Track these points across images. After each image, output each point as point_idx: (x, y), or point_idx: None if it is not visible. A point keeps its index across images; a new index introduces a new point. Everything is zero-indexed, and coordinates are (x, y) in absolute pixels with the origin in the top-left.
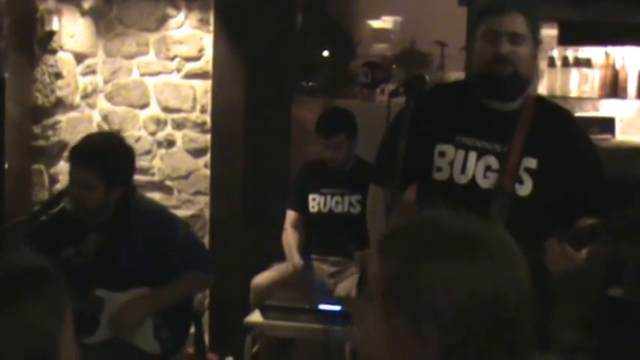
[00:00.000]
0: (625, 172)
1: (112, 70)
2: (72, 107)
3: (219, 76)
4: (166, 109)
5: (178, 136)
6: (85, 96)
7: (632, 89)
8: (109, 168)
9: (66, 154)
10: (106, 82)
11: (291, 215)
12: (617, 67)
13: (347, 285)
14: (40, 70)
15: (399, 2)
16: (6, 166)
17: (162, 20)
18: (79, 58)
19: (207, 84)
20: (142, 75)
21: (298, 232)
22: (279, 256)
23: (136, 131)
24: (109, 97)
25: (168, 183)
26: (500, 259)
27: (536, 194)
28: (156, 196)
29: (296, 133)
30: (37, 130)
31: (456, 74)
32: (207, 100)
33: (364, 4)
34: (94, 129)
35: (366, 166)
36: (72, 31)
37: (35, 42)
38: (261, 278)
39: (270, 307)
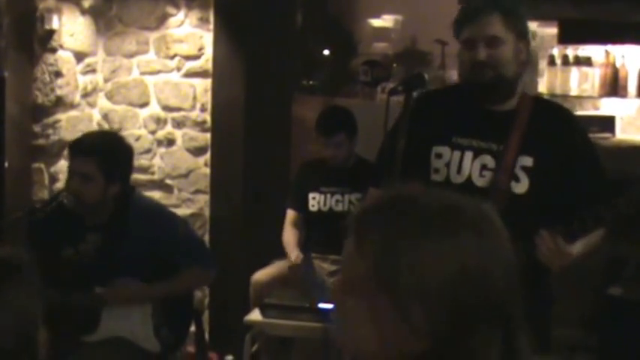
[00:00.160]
0: (625, 171)
1: (112, 69)
2: (72, 106)
3: (219, 74)
4: (166, 108)
5: (178, 134)
6: (85, 95)
7: (632, 88)
8: (108, 160)
9: (66, 152)
10: (106, 80)
11: (291, 214)
12: (618, 65)
13: None
14: (40, 69)
15: (399, 1)
16: (6, 164)
17: (163, 19)
18: (79, 56)
19: (207, 83)
20: (142, 74)
21: (298, 230)
22: (279, 254)
23: (136, 130)
24: (109, 96)
25: (168, 182)
26: (484, 233)
27: (533, 192)
28: (156, 194)
29: (296, 131)
30: (37, 128)
31: (456, 73)
32: (207, 98)
33: (365, 3)
34: (94, 128)
35: (366, 165)
36: (72, 29)
37: (35, 40)
38: (261, 274)
39: (269, 305)
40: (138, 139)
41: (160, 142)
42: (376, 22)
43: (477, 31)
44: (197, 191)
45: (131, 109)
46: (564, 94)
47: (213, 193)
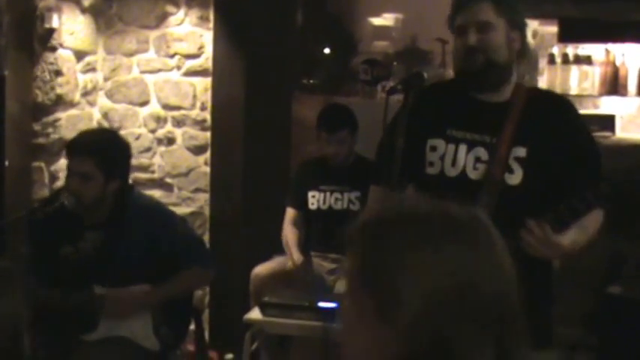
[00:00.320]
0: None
1: (112, 68)
2: (72, 105)
3: (219, 73)
4: (166, 107)
5: (178, 133)
6: (85, 93)
7: (632, 86)
8: (106, 157)
9: None
10: (106, 79)
11: (290, 212)
12: (618, 64)
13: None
14: (40, 68)
15: None
16: (6, 163)
17: (162, 17)
18: (79, 55)
19: (207, 81)
20: (142, 72)
21: (298, 229)
22: (279, 253)
23: (136, 129)
24: (109, 95)
25: (168, 180)
26: (478, 245)
27: (527, 183)
28: (156, 193)
29: (296, 130)
30: (37, 127)
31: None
32: (207, 97)
33: (365, 2)
34: (94, 126)
35: (365, 163)
36: (72, 28)
37: (35, 39)
38: (261, 268)
39: (269, 304)
40: (138, 137)
41: (160, 141)
42: (377, 21)
43: (467, 18)
44: (197, 190)
45: (131, 108)
46: (564, 93)
47: (213, 191)
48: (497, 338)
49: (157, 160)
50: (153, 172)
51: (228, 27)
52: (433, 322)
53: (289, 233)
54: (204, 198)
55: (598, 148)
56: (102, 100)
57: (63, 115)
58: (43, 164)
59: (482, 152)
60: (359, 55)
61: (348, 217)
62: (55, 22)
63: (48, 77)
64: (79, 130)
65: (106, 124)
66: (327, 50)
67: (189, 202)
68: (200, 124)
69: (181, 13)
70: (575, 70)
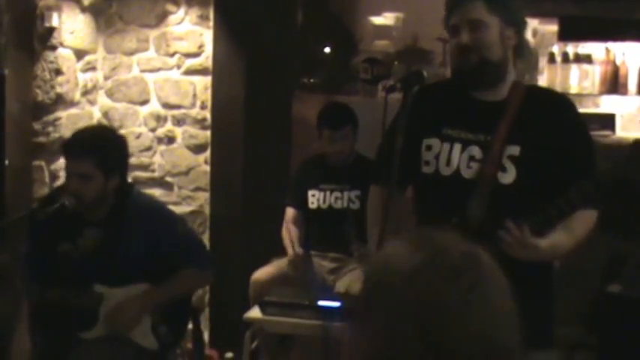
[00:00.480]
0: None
1: (112, 67)
2: (72, 104)
3: (220, 72)
4: (166, 106)
5: (178, 132)
6: (86, 92)
7: (632, 85)
8: (103, 155)
9: None
10: (106, 78)
11: (290, 211)
12: (618, 63)
13: (346, 281)
14: (40, 67)
15: None
16: (6, 162)
17: (162, 16)
18: (79, 54)
19: (207, 80)
20: (142, 71)
21: (298, 228)
22: (279, 252)
23: (136, 127)
24: (109, 94)
25: (168, 179)
26: (474, 289)
27: (520, 181)
28: (156, 192)
29: (296, 129)
30: (37, 126)
31: None
32: (207, 96)
33: (366, 1)
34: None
35: (365, 162)
36: (72, 27)
37: (35, 38)
38: (261, 273)
39: (269, 303)
40: (138, 136)
41: (160, 140)
42: (377, 20)
43: (460, 17)
44: (197, 189)
45: (131, 107)
46: (564, 92)
47: (213, 190)
48: None
49: (157, 159)
50: (153, 170)
51: (229, 26)
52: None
53: (289, 232)
54: (204, 197)
55: (594, 148)
56: (102, 99)
57: (63, 114)
58: (43, 163)
59: (476, 151)
60: (359, 55)
61: (348, 215)
62: (55, 21)
63: (48, 76)
64: None
65: (106, 123)
66: (327, 49)
67: (189, 200)
68: (200, 123)
69: (181, 11)
70: (575, 69)
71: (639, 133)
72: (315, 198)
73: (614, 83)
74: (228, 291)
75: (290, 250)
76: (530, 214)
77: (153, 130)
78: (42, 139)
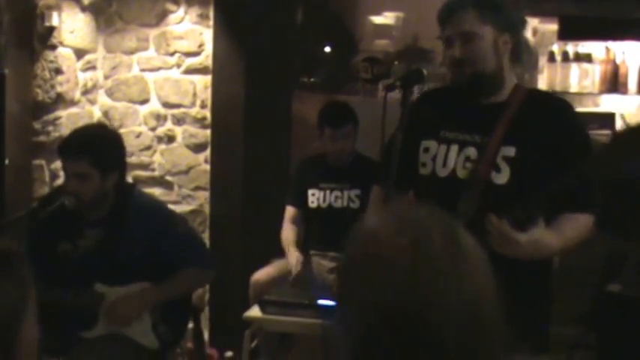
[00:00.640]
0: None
1: (112, 66)
2: (72, 103)
3: (219, 71)
4: (166, 105)
5: (178, 131)
6: (85, 92)
7: (632, 85)
8: (99, 153)
9: None
10: (106, 77)
11: (290, 211)
12: (618, 62)
13: None
14: (41, 66)
15: None
16: (7, 161)
17: (162, 15)
18: (79, 53)
19: (207, 79)
20: (142, 70)
21: (298, 227)
22: (279, 251)
23: (137, 127)
24: (109, 93)
25: (168, 178)
26: (453, 265)
27: (514, 183)
28: (156, 191)
29: (296, 128)
30: (37, 125)
31: None
32: (207, 95)
33: (366, 0)
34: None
35: (365, 162)
36: (72, 26)
37: (35, 38)
38: (261, 274)
39: (269, 302)
40: (138, 135)
41: (160, 139)
42: (377, 20)
43: (452, 29)
44: (197, 188)
45: (131, 106)
46: (564, 91)
47: (213, 189)
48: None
49: (157, 158)
50: (153, 170)
51: (229, 25)
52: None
53: (288, 231)
54: (204, 196)
55: (591, 152)
56: (102, 99)
57: (63, 114)
58: (43, 162)
59: (472, 152)
60: (360, 54)
61: (347, 215)
62: (55, 20)
63: (48, 75)
64: None
65: (106, 123)
66: (327, 49)
67: (189, 200)
68: (200, 122)
69: (181, 11)
70: (575, 68)
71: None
72: (314, 197)
73: (614, 82)
74: (228, 290)
75: (290, 260)
76: (511, 209)
77: (153, 129)
78: (42, 138)
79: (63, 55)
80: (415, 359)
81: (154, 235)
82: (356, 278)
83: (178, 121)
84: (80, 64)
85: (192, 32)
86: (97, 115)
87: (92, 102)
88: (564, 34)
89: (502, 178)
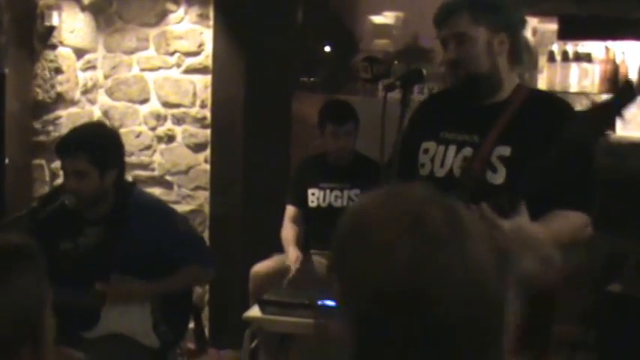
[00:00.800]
0: (625, 169)
1: (112, 66)
2: (72, 102)
3: (219, 71)
4: (166, 105)
5: (178, 131)
6: (85, 91)
7: None
8: (97, 150)
9: None
10: (106, 77)
11: (290, 210)
12: (618, 62)
13: None
14: (41, 66)
15: None
16: (7, 161)
17: (162, 15)
18: (79, 53)
19: (207, 79)
20: (142, 70)
21: (298, 226)
22: (279, 251)
23: (136, 126)
24: (109, 93)
25: (168, 178)
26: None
27: (511, 183)
28: (156, 191)
29: (296, 128)
30: (37, 125)
31: None
32: (207, 95)
33: (366, 0)
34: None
35: (365, 161)
36: (72, 26)
37: (35, 37)
38: (261, 267)
39: (269, 302)
40: (138, 135)
41: (160, 139)
42: (377, 19)
43: (447, 31)
44: (197, 187)
45: (131, 106)
46: (564, 91)
47: (213, 189)
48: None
49: (157, 157)
50: (153, 169)
51: (228, 25)
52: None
53: (288, 231)
54: (204, 196)
55: (589, 153)
56: (102, 98)
57: (63, 113)
58: (43, 162)
59: (468, 152)
60: (359, 54)
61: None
62: (55, 20)
63: (48, 75)
64: None
65: (106, 122)
66: (327, 48)
67: (189, 199)
68: (200, 121)
69: (181, 10)
70: (575, 68)
71: (639, 133)
72: (315, 196)
73: (614, 82)
74: (228, 290)
75: (289, 258)
76: (493, 198)
77: (153, 128)
78: (42, 137)
79: (63, 54)
80: (422, 338)
81: (154, 234)
82: (356, 262)
83: (178, 120)
84: (80, 63)
85: (192, 32)
86: (97, 114)
87: (92, 102)
88: (564, 34)
89: (498, 178)
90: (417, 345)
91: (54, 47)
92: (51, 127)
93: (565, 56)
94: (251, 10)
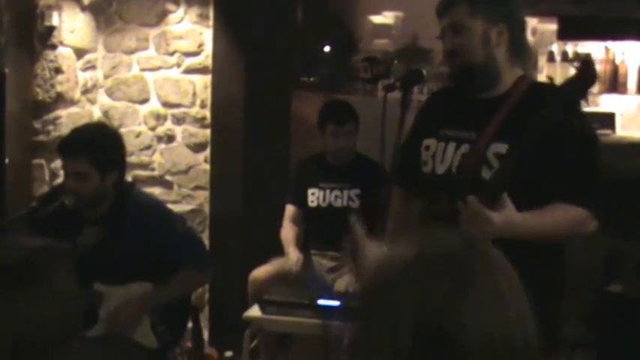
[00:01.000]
0: (625, 168)
1: (112, 66)
2: (72, 102)
3: (219, 71)
4: (166, 104)
5: (178, 131)
6: (85, 91)
7: (632, 84)
8: (99, 153)
9: None
10: (106, 77)
11: (290, 210)
12: (617, 62)
13: (346, 280)
14: (41, 66)
15: None
16: (7, 160)
17: (162, 15)
18: (79, 53)
19: (206, 79)
20: (142, 70)
21: (297, 226)
22: (279, 251)
23: (136, 126)
24: (109, 93)
25: (168, 178)
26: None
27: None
28: (156, 191)
29: (296, 128)
30: (37, 125)
31: None
32: (207, 95)
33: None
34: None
35: (365, 161)
36: (72, 26)
37: (35, 37)
38: (260, 272)
39: (268, 301)
40: (138, 135)
41: (159, 139)
42: (377, 19)
43: (445, 22)
44: (197, 187)
45: (131, 106)
46: None
47: (212, 189)
48: None
49: (156, 157)
50: (153, 169)
51: (228, 25)
52: None
53: (288, 231)
54: (203, 195)
55: (591, 149)
56: (102, 98)
57: (63, 113)
58: (43, 162)
59: (466, 149)
60: (359, 53)
61: (347, 214)
62: (55, 20)
63: (48, 75)
64: None
65: (106, 122)
66: (327, 48)
67: (188, 199)
68: (200, 121)
69: (181, 10)
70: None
71: (639, 133)
72: (314, 196)
73: (614, 82)
74: (228, 290)
75: (289, 258)
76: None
77: (153, 128)
78: (42, 137)
79: (63, 54)
80: None
81: (153, 235)
82: (393, 304)
83: (178, 120)
84: (80, 63)
85: (192, 32)
86: (96, 114)
87: (92, 101)
88: (563, 34)
89: None
90: None
91: (54, 47)
92: (51, 127)
93: (565, 56)
94: (251, 10)
